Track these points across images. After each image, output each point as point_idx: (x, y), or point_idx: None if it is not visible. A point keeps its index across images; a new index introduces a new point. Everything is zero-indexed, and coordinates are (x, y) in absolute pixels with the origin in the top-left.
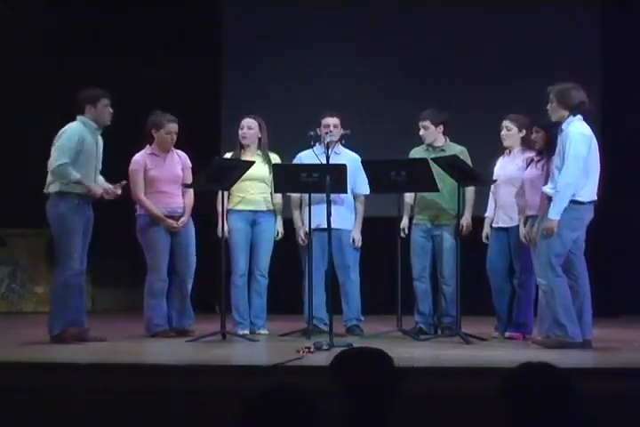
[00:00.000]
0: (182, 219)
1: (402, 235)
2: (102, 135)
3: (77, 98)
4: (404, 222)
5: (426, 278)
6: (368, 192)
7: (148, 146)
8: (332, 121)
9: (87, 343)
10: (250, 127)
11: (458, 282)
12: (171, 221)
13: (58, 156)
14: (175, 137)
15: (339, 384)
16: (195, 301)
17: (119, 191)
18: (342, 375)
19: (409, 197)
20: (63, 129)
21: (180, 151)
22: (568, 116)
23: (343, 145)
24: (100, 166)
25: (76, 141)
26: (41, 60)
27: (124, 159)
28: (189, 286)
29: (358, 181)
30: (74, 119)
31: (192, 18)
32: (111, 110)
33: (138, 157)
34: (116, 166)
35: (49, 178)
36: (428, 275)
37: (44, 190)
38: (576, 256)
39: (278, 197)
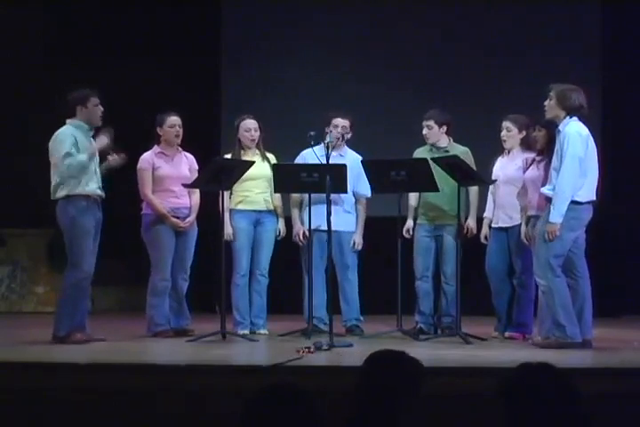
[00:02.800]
0: (188, 219)
1: (407, 236)
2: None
3: (67, 100)
4: (409, 224)
5: (428, 278)
6: (370, 194)
7: (156, 146)
8: (341, 122)
9: (87, 343)
10: (256, 129)
11: (458, 282)
12: (177, 220)
13: (61, 160)
14: (180, 130)
15: (369, 383)
16: (194, 301)
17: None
18: (376, 374)
19: (413, 199)
20: (54, 135)
21: (187, 153)
22: (564, 117)
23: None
24: (98, 168)
25: (68, 142)
26: (41, 60)
27: (127, 158)
28: (185, 287)
29: (361, 182)
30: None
31: (192, 18)
32: (102, 109)
33: (146, 155)
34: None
35: (54, 183)
36: (430, 275)
37: (52, 197)
38: (577, 256)
39: (277, 197)
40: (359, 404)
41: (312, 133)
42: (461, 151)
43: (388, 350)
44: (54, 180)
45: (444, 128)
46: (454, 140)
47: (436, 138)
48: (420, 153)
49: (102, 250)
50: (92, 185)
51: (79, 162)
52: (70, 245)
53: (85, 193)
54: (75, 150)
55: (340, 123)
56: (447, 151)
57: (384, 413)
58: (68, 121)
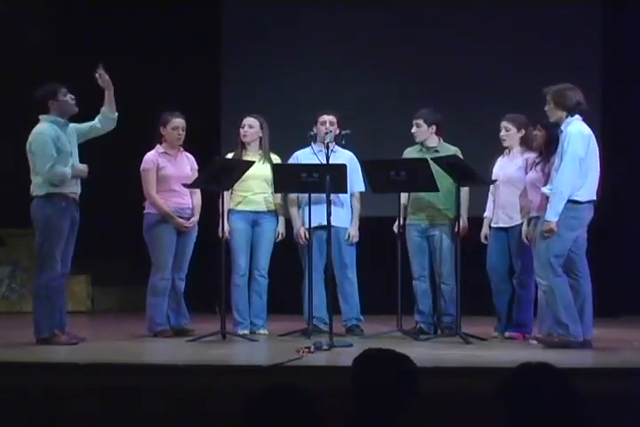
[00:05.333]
0: (193, 219)
1: (395, 230)
2: (106, 135)
3: (35, 98)
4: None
5: (425, 278)
6: (364, 189)
7: (158, 145)
8: (328, 118)
9: (87, 343)
10: (251, 126)
11: (457, 281)
12: (182, 220)
13: (42, 162)
14: (182, 133)
15: (360, 383)
16: (194, 301)
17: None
18: (365, 374)
19: (404, 198)
20: (33, 135)
21: (187, 153)
22: (566, 117)
23: (344, 145)
24: (77, 161)
25: (51, 143)
26: (41, 60)
27: (127, 159)
28: (183, 286)
29: (354, 179)
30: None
31: (192, 18)
32: (73, 97)
33: (149, 155)
34: (119, 166)
35: (35, 181)
36: (427, 274)
37: (31, 193)
38: (578, 256)
39: (278, 197)
40: (354, 405)
41: (312, 133)
42: (452, 151)
43: (375, 349)
44: (35, 179)
45: (434, 128)
46: (455, 140)
47: (424, 137)
48: (409, 153)
49: (102, 250)
50: (72, 184)
51: (62, 174)
52: (42, 245)
53: (65, 193)
54: (56, 154)
55: (327, 119)
56: (437, 151)
57: (380, 413)
58: (41, 117)
